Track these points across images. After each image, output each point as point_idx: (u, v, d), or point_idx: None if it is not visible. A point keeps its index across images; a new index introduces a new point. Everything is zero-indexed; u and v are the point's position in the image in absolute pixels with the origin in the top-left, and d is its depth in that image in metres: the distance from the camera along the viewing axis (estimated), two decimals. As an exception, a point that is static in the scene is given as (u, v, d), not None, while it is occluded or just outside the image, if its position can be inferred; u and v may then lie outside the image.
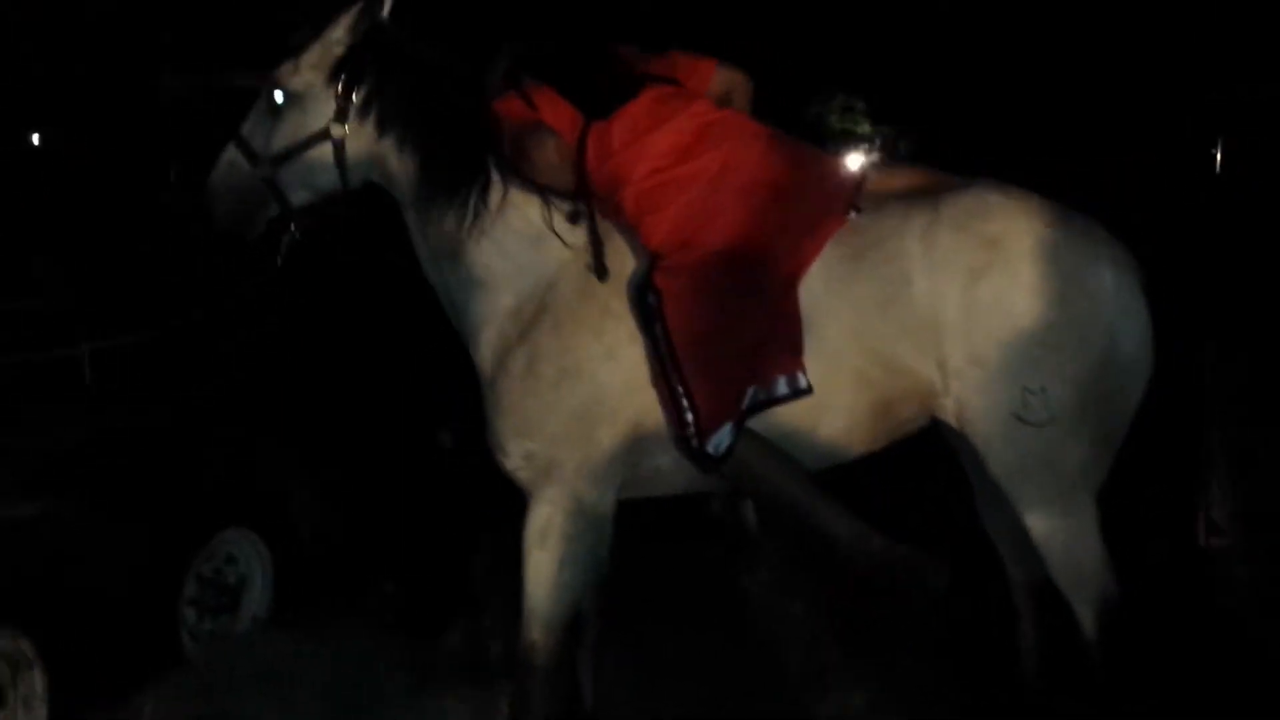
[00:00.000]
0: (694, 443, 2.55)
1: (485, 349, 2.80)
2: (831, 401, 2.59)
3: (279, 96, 2.73)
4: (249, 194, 2.77)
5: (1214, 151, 6.25)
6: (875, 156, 8.03)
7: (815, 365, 2.56)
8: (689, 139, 2.69)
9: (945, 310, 2.51)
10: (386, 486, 4.29)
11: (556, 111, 2.74)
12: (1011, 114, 7.66)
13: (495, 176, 2.75)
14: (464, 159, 2.73)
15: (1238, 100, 6.29)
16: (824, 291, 2.58)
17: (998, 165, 2.99)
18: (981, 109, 7.78)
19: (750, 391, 2.56)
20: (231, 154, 2.79)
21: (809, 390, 2.55)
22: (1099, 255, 2.56)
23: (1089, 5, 7.45)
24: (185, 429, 3.79)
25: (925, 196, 2.65)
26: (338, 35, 2.73)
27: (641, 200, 2.68)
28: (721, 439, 2.54)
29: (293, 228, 2.82)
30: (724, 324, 2.58)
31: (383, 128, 2.72)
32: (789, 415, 2.59)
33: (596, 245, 2.73)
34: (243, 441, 3.94)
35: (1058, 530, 2.56)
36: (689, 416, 2.54)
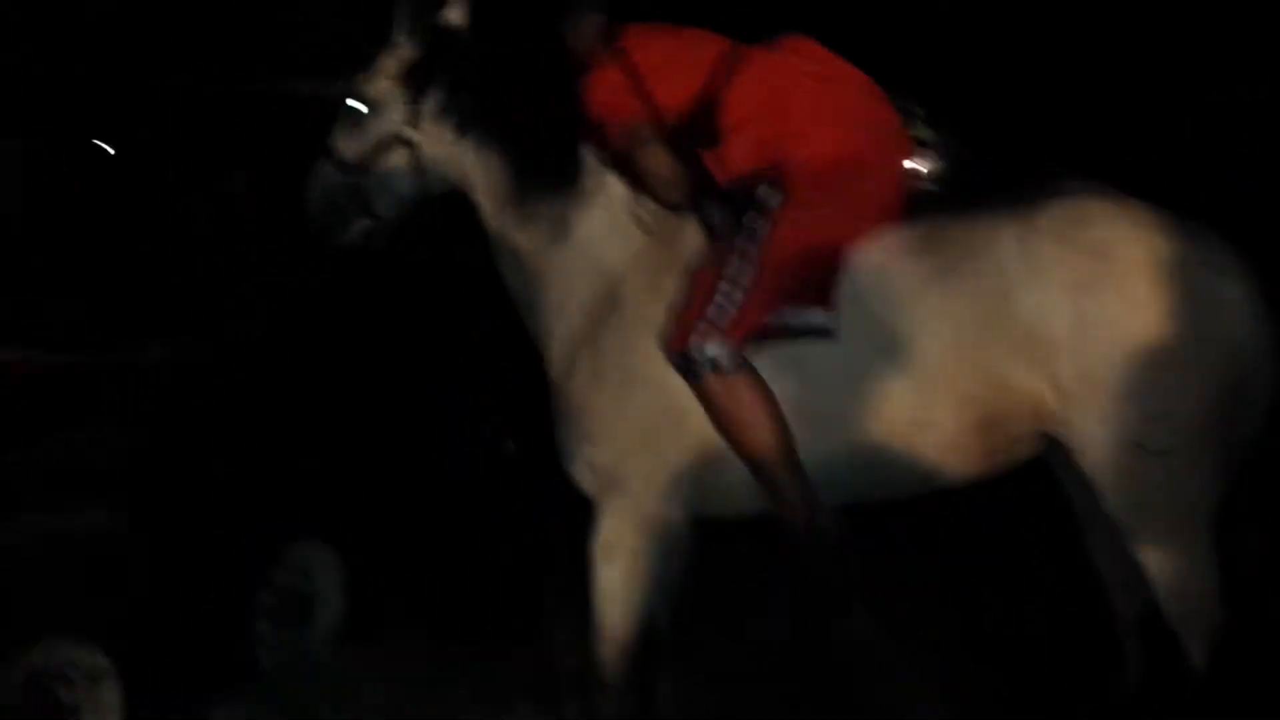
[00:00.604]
0: (693, 340, 2.43)
1: (557, 348, 2.74)
2: (934, 418, 2.45)
3: (359, 104, 2.76)
4: (340, 201, 2.80)
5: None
6: (938, 161, 7.33)
7: (915, 384, 2.44)
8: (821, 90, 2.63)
9: (1053, 326, 2.35)
10: (457, 499, 4.26)
11: (667, 76, 2.61)
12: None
13: (583, 170, 2.70)
14: (550, 158, 2.71)
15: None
16: (919, 306, 2.45)
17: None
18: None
19: (784, 312, 2.46)
20: (322, 164, 2.82)
21: (833, 332, 2.45)
22: (1217, 265, 2.38)
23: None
24: (256, 439, 3.79)
25: (1016, 202, 2.52)
26: (405, 37, 2.74)
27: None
28: (716, 351, 2.41)
29: (371, 236, 2.85)
30: (814, 241, 2.49)
31: (462, 129, 2.71)
32: (890, 431, 2.47)
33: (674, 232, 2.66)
34: (314, 453, 3.93)
35: (1174, 563, 2.38)
36: (714, 313, 2.42)
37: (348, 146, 2.78)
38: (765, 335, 2.47)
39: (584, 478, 2.69)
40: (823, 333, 2.46)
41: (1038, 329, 2.37)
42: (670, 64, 2.64)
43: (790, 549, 2.53)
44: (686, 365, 2.45)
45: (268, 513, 3.74)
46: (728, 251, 2.52)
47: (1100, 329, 2.33)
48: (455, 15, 2.72)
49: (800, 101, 2.58)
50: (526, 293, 2.81)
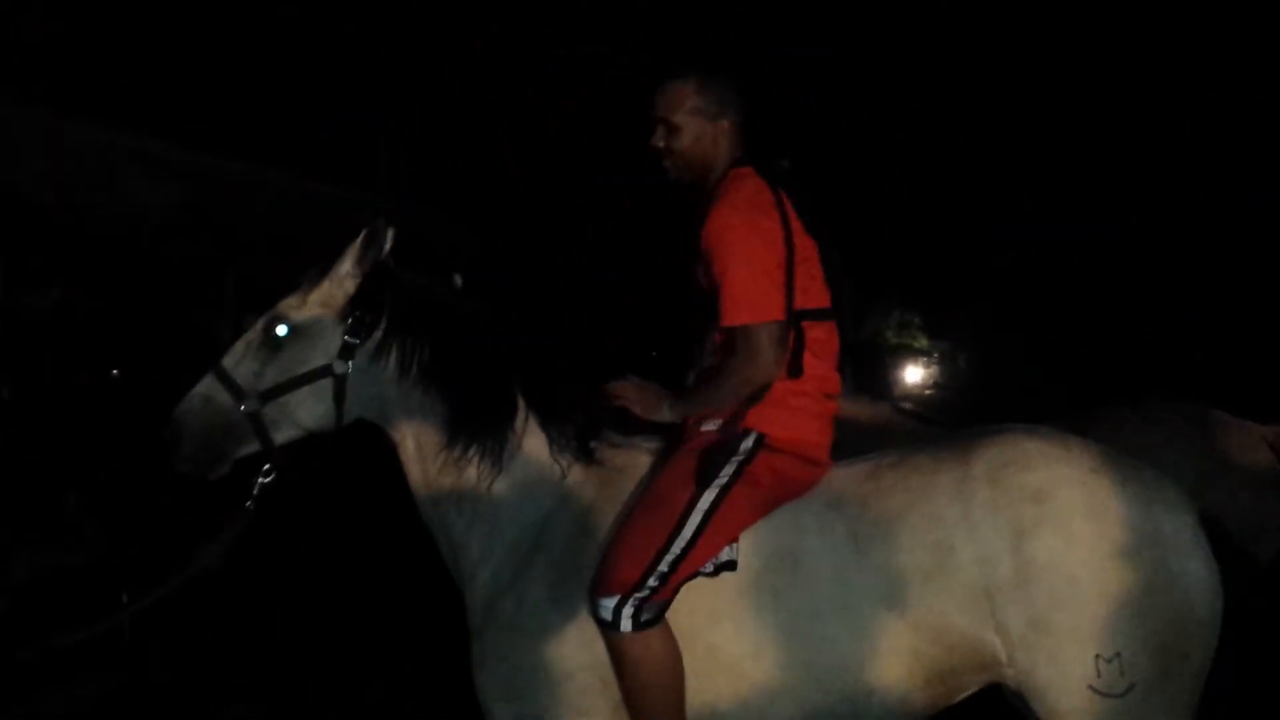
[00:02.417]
0: (629, 596, 2.39)
1: (478, 592, 2.67)
2: (881, 679, 2.40)
3: (282, 329, 2.66)
4: (228, 430, 2.64)
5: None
6: (933, 370, 9.72)
7: (855, 642, 2.39)
8: None
9: (996, 575, 2.33)
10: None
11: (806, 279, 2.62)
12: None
13: (520, 415, 2.70)
14: (494, 400, 2.69)
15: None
16: (858, 564, 2.43)
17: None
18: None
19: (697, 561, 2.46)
20: (209, 387, 2.66)
21: (736, 563, 2.47)
22: (1154, 500, 2.36)
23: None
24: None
25: (951, 447, 2.53)
26: (346, 269, 2.69)
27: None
28: (649, 612, 2.41)
29: (265, 469, 2.68)
30: (766, 497, 2.54)
31: (403, 369, 2.66)
32: (833, 692, 2.43)
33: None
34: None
35: None
36: (653, 577, 2.41)
37: (257, 372, 2.65)
38: (685, 583, 2.45)
39: None
40: (729, 567, 2.46)
41: (983, 581, 2.33)
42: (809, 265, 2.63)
43: None
44: (613, 618, 2.38)
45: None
46: (677, 497, 2.49)
47: (1044, 574, 2.29)
48: (388, 249, 2.72)
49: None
50: (450, 533, 2.73)
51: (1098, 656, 2.26)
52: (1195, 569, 2.32)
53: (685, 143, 2.74)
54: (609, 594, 2.41)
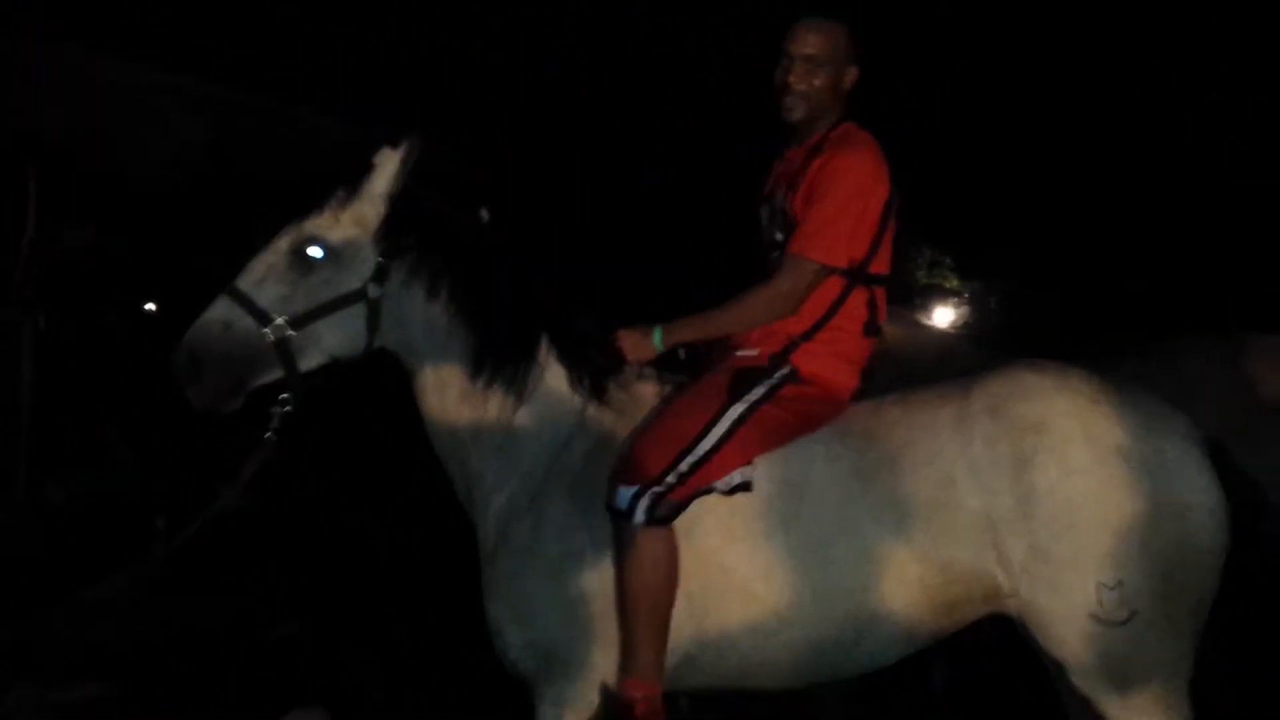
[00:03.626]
0: (646, 490, 2.41)
1: (491, 519, 2.64)
2: (886, 606, 2.43)
3: (316, 251, 2.51)
4: (252, 359, 2.48)
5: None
6: (965, 310, 9.34)
7: (861, 570, 2.43)
8: None
9: (998, 506, 2.35)
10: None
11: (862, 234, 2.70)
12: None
13: (544, 346, 2.67)
14: (519, 327, 2.65)
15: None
16: (863, 495, 2.46)
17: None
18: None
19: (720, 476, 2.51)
20: (228, 311, 2.48)
21: (752, 485, 2.50)
22: (1155, 428, 2.36)
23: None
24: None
25: (953, 382, 2.57)
26: (381, 188, 2.57)
27: None
28: (665, 510, 2.43)
29: (282, 398, 2.54)
30: (788, 423, 2.60)
31: (434, 294, 2.59)
32: (844, 614, 2.46)
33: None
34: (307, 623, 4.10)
35: None
36: (673, 474, 2.43)
37: (285, 295, 2.49)
38: (699, 494, 2.47)
39: (518, 658, 2.56)
40: (744, 488, 2.48)
41: (984, 512, 2.36)
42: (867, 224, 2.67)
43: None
44: (628, 507, 2.39)
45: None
46: (707, 404, 2.53)
47: (1044, 503, 2.31)
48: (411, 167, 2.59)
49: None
50: (467, 463, 2.68)
51: (1099, 584, 2.30)
52: (1198, 498, 2.34)
53: (824, 82, 2.76)
54: (628, 484, 2.44)
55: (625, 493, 2.43)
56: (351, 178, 2.61)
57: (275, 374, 2.54)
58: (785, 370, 2.64)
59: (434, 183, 2.70)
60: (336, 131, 6.18)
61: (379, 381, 2.88)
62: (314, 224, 2.57)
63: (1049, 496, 2.34)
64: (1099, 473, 2.33)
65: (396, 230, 2.58)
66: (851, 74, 2.80)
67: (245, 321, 2.49)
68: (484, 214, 3.00)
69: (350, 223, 2.57)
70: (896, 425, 2.54)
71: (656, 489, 2.43)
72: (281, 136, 6.22)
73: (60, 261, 5.44)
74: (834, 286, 2.70)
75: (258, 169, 5.88)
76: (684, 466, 2.46)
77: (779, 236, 2.78)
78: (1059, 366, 2.53)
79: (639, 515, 2.41)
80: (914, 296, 9.63)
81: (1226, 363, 3.97)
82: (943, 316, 9.77)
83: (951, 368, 3.17)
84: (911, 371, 3.01)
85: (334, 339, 2.57)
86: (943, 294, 10.51)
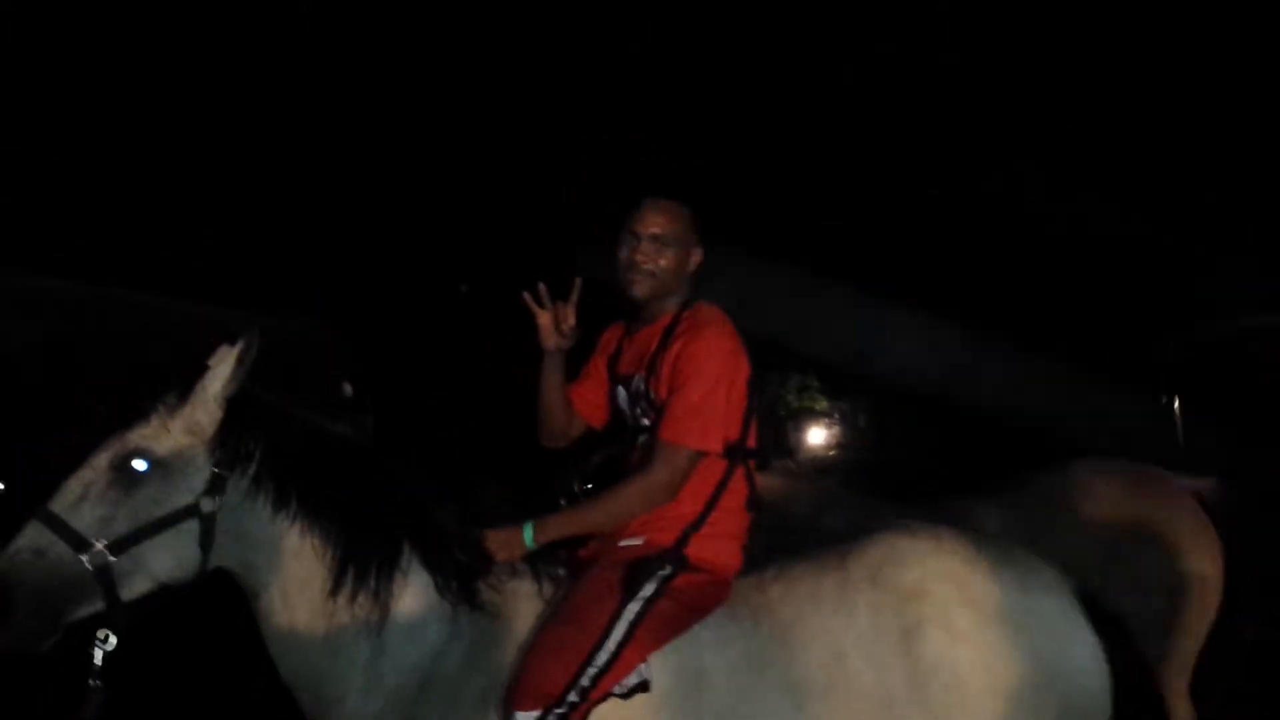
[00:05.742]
0: (555, 713, 2.31)
1: None
2: None
3: (141, 464, 2.29)
4: (67, 589, 2.23)
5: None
6: (835, 430, 9.80)
7: None
8: None
9: (891, 681, 2.35)
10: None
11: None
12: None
13: (406, 551, 2.51)
14: (380, 544, 2.48)
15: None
16: (760, 682, 2.41)
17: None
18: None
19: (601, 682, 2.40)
20: (39, 538, 2.23)
21: (650, 683, 2.42)
22: (1029, 585, 2.41)
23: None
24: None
25: (830, 550, 2.58)
26: (215, 392, 2.36)
27: None
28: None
29: (102, 635, 2.27)
30: (680, 613, 2.52)
31: (280, 503, 2.40)
32: None
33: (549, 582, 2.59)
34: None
35: None
36: (581, 681, 2.34)
37: (106, 516, 2.27)
38: (597, 704, 2.37)
39: None
40: (642, 688, 2.40)
41: (878, 688, 2.36)
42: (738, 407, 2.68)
43: None
44: None
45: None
46: (600, 607, 2.45)
47: (934, 675, 2.32)
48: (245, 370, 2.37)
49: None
50: (320, 687, 2.46)
51: None
52: (1078, 652, 2.37)
53: (670, 263, 2.74)
54: (527, 708, 2.31)
55: (525, 719, 2.31)
56: (183, 380, 2.39)
57: (96, 606, 2.28)
58: (674, 558, 2.58)
59: (293, 366, 2.47)
60: (194, 315, 6.04)
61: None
62: (139, 434, 2.33)
63: (939, 668, 2.33)
64: (982, 637, 2.33)
65: (234, 437, 2.37)
66: (697, 255, 2.80)
67: (59, 548, 2.23)
68: (347, 388, 2.79)
69: (181, 431, 2.35)
70: (782, 603, 2.50)
71: (558, 710, 2.31)
72: (128, 327, 6.06)
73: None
74: (717, 468, 2.66)
75: (99, 364, 5.64)
76: (585, 680, 2.35)
77: (644, 421, 2.75)
78: (929, 527, 2.55)
79: None
80: (785, 420, 9.65)
81: (1082, 489, 4.01)
82: (816, 437, 10.16)
83: (830, 518, 3.17)
84: (789, 524, 2.98)
85: (162, 562, 2.32)
86: (814, 415, 10.57)
